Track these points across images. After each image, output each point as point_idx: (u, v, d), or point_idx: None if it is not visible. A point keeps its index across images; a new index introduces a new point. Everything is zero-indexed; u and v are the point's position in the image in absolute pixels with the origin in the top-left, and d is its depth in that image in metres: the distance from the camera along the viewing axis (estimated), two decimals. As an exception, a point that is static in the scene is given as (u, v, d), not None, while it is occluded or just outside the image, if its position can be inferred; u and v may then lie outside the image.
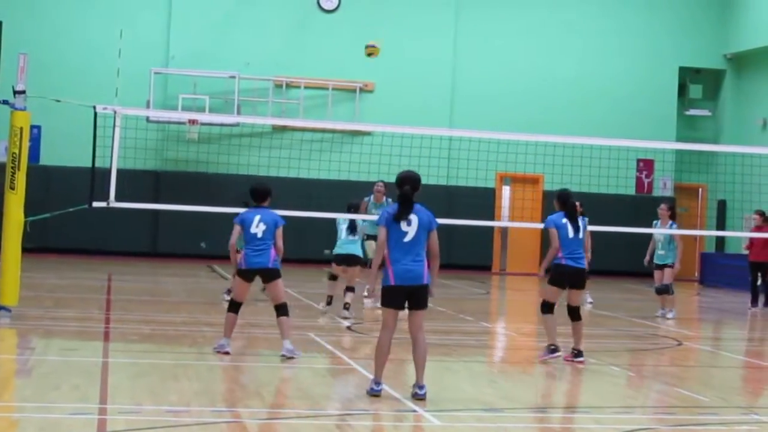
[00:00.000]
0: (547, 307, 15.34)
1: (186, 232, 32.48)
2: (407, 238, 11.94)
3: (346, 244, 20.04)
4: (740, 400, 13.49)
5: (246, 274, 14.70)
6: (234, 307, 14.78)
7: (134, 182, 27.25)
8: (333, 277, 20.45)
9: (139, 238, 33.32)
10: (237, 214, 15.00)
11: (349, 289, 19.87)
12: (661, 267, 22.65)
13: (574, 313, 15.35)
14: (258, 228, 14.52)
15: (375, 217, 16.21)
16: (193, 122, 32.67)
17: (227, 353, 14.53)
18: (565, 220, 15.25)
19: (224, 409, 11.26)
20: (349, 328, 18.70)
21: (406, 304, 12.01)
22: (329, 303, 20.17)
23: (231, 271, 17.48)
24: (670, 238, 22.61)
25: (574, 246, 15.20)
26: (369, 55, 21.99)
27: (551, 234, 15.45)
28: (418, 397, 11.80)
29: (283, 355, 14.41)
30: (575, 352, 15.20)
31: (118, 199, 20.04)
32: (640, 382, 14.51)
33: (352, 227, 19.95)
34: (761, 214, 27.57)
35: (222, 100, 33.69)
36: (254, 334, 16.71)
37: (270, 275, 14.63)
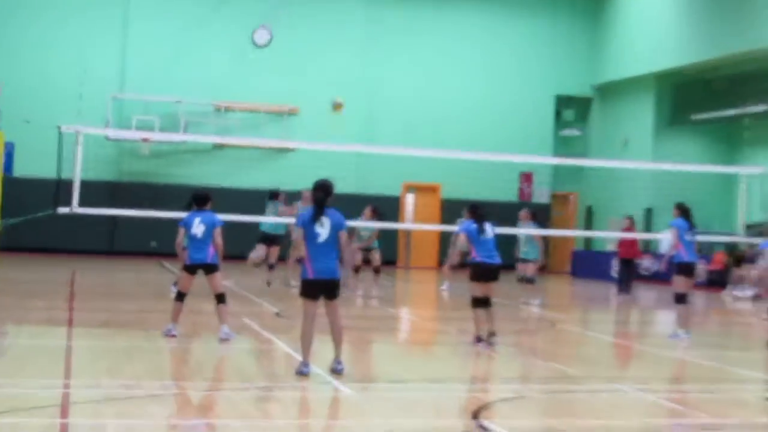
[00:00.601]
0: (476, 302, 15.24)
1: (139, 233, 32.22)
2: (321, 239, 11.98)
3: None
4: (603, 373, 13.66)
5: (190, 269, 14.67)
6: (180, 296, 14.77)
7: (94, 191, 27.05)
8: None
9: (98, 239, 33.04)
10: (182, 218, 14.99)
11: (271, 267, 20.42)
12: (525, 261, 23.01)
13: (486, 302, 15.31)
14: (198, 229, 14.51)
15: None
16: (145, 140, 32.45)
17: (174, 336, 14.49)
18: (475, 226, 15.25)
19: (170, 383, 11.24)
20: (277, 314, 18.67)
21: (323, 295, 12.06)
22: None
23: (179, 266, 17.37)
24: (531, 237, 23.00)
25: (487, 246, 15.27)
26: (337, 108, 21.76)
27: (460, 238, 15.51)
28: (337, 371, 11.86)
29: (221, 338, 14.41)
30: (491, 333, 15.22)
31: (80, 205, 19.97)
32: (520, 357, 14.62)
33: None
34: (630, 218, 27.98)
35: (170, 120, 33.51)
36: (197, 320, 16.64)
37: (209, 269, 14.60)
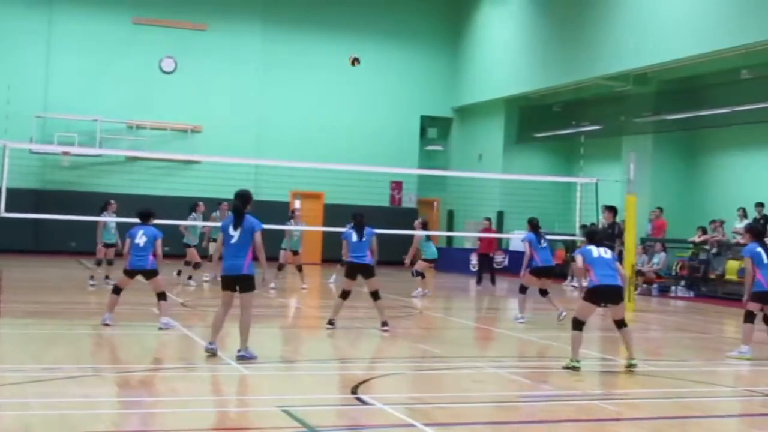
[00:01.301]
0: (343, 294, 15.47)
1: (60, 234, 31.57)
2: (233, 241, 11.84)
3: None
4: (464, 353, 13.71)
5: (130, 273, 14.61)
6: (117, 290, 14.66)
7: (20, 198, 26.43)
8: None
9: (24, 239, 32.19)
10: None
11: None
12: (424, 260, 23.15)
13: (374, 296, 15.38)
14: (140, 239, 14.49)
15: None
16: (65, 153, 31.80)
17: (107, 325, 14.18)
18: (353, 231, 15.31)
19: (87, 366, 10.94)
20: (183, 304, 18.39)
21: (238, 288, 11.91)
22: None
23: (90, 263, 16.89)
24: (427, 239, 23.26)
25: (359, 249, 15.26)
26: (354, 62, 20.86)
27: (345, 243, 15.59)
28: (238, 357, 11.66)
29: (160, 327, 14.23)
30: (383, 322, 15.23)
31: (7, 210, 19.58)
32: (392, 340, 14.59)
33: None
34: (488, 219, 28.26)
35: (88, 137, 32.92)
36: (122, 311, 16.28)
37: (149, 274, 14.57)
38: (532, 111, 34.51)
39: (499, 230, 32.29)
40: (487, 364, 12.26)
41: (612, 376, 12.10)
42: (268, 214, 24.06)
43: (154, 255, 14.55)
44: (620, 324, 12.33)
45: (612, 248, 14.17)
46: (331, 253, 33.28)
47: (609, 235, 21.61)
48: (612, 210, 22.01)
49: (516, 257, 30.47)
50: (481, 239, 28.19)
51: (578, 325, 12.21)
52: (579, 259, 12.47)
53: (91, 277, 21.82)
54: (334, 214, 33.69)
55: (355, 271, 15.32)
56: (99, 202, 23.42)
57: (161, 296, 14.64)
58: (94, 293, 19.98)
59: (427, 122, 38.44)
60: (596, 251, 12.34)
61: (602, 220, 22.77)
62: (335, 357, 13.01)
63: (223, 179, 26.36)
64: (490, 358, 13.12)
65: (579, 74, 30.17)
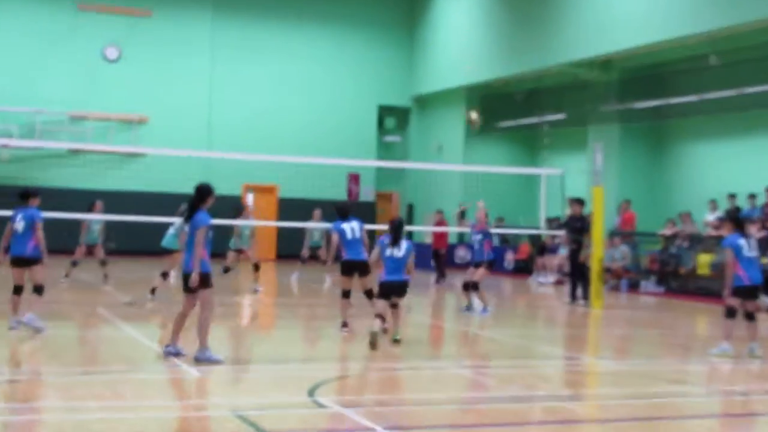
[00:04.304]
0: (344, 294, 15.09)
1: None
2: (188, 238, 11.67)
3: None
4: (423, 352, 13.66)
5: (15, 263, 13.91)
6: (17, 291, 13.96)
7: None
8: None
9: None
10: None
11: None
12: None
13: (368, 294, 15.28)
14: (19, 224, 13.94)
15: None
16: (4, 146, 31.43)
17: (14, 328, 13.65)
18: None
19: (26, 369, 10.76)
20: (128, 303, 18.18)
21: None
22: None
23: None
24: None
25: (354, 245, 15.02)
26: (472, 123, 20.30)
27: (337, 238, 15.21)
28: (196, 359, 11.46)
29: (11, 327, 13.63)
30: (344, 323, 15.05)
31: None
32: (351, 340, 14.49)
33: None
34: (440, 212, 28.25)
35: (27, 128, 32.54)
36: (55, 309, 16.06)
37: (28, 262, 13.85)
38: (494, 100, 34.54)
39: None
40: (450, 364, 12.21)
41: (580, 375, 12.11)
42: (220, 209, 23.96)
43: (36, 241, 13.84)
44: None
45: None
46: (286, 249, 33.17)
47: (578, 228, 21.63)
48: (579, 202, 22.06)
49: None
50: (433, 234, 28.17)
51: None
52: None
53: (66, 275, 21.70)
54: (288, 208, 33.58)
55: (351, 268, 15.00)
56: (40, 196, 23.07)
57: (37, 290, 13.80)
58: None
59: (384, 112, 38.37)
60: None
61: (567, 213, 22.81)
62: (292, 358, 12.90)
63: (171, 173, 26.23)
64: (451, 357, 13.08)
65: (542, 61, 30.21)
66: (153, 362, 11.50)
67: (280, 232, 34.02)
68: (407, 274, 14.02)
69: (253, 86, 35.88)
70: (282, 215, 33.64)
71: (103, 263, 22.11)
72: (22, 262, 13.89)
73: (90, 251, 22.14)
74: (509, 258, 31.76)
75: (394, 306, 13.99)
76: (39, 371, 10.77)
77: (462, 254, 32.32)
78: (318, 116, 36.46)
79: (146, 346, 12.59)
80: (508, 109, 33.90)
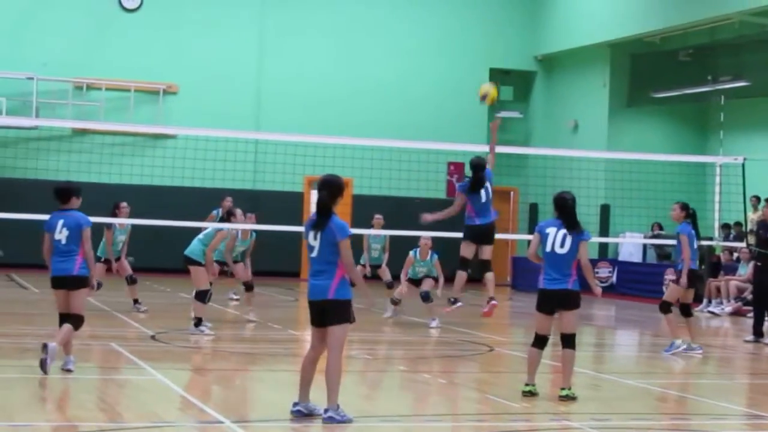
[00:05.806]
0: (462, 264, 18.49)
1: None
2: (314, 254, 11.41)
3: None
4: (549, 406, 13.55)
5: (52, 284, 13.92)
6: (63, 319, 13.90)
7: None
8: None
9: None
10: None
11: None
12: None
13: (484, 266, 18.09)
14: (60, 234, 13.80)
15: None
16: (-11, 125, 31.99)
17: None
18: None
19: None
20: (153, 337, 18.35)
21: None
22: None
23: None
24: None
25: (484, 209, 19.39)
26: (485, 98, 20.21)
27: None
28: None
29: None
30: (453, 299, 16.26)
31: None
32: (450, 389, 14.44)
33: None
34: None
35: (19, 102, 33.02)
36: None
37: (74, 283, 13.83)
38: (649, 61, 34.27)
39: (604, 231, 32.09)
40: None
41: None
42: (273, 207, 24.16)
43: (83, 255, 13.80)
44: None
45: None
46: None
47: (767, 239, 21.11)
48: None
49: (626, 271, 30.31)
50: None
51: None
52: None
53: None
54: (365, 208, 33.48)
55: (476, 235, 18.68)
56: (35, 192, 23.44)
57: (74, 321, 13.80)
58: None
59: (498, 78, 38.22)
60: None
61: (752, 216, 22.51)
62: (368, 411, 12.88)
63: (208, 161, 26.45)
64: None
65: (716, 7, 29.93)
66: (179, 414, 11.52)
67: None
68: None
69: (318, 47, 36.01)
70: (357, 219, 33.35)
71: (131, 281, 22.22)
72: (67, 283, 13.87)
73: (109, 267, 22.12)
74: (669, 278, 31.41)
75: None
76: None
77: (606, 274, 32.03)
78: (404, 87, 36.49)
79: (175, 393, 12.63)
80: (668, 74, 33.61)
